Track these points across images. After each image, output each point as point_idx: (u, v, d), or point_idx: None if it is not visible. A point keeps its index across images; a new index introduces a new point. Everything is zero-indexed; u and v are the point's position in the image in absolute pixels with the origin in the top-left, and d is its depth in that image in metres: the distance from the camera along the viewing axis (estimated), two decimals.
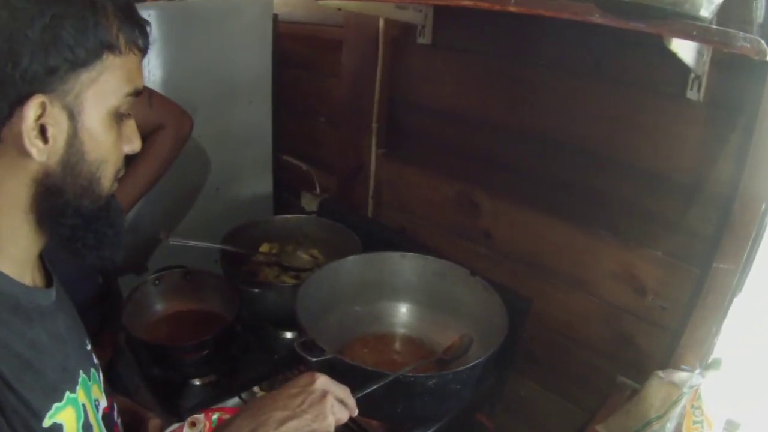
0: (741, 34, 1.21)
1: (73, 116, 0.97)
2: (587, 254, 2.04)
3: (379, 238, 2.45)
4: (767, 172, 1.57)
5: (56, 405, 1.04)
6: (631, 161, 1.88)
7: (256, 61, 2.91)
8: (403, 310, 2.20)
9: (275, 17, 2.96)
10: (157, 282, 2.27)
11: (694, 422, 1.64)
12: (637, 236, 1.91)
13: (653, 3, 1.19)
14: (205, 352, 2.03)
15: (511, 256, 2.27)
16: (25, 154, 0.94)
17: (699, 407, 1.64)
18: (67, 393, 1.08)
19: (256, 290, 2.19)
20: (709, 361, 1.75)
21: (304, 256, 2.55)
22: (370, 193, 2.77)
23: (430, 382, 1.64)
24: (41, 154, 0.95)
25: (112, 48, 0.99)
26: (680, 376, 1.70)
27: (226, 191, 2.92)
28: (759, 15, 1.44)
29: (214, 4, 2.84)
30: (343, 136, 2.86)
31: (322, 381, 1.25)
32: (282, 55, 3.06)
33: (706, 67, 1.62)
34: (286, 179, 3.30)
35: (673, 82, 1.70)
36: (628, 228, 1.93)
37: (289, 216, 2.74)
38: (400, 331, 2.17)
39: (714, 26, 1.23)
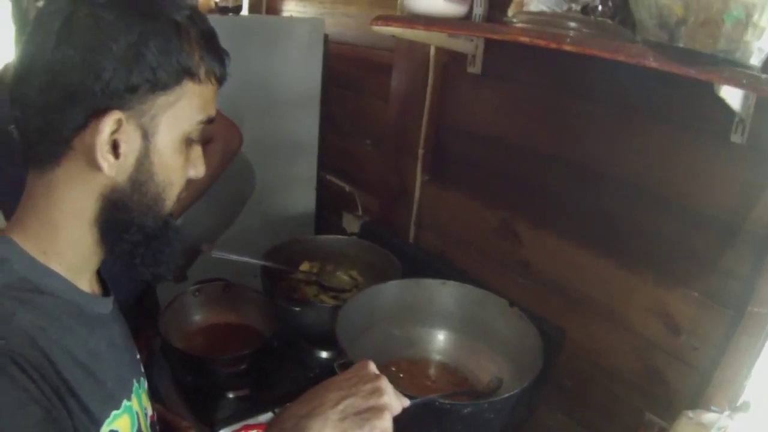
0: None
1: (146, 136, 1.01)
2: (624, 289, 2.05)
3: (419, 263, 2.47)
4: None
5: (114, 413, 1.07)
6: (672, 198, 1.89)
7: (306, 79, 2.97)
8: (439, 337, 2.21)
9: (326, 37, 3.01)
10: (197, 293, 2.32)
11: None
12: (674, 274, 1.91)
13: (705, 50, 1.21)
14: (243, 366, 2.06)
15: (549, 287, 2.28)
16: (95, 166, 0.97)
17: None
18: (124, 401, 1.12)
19: (297, 308, 2.20)
20: (739, 403, 1.74)
21: (343, 277, 2.58)
22: (413, 218, 2.79)
23: (465, 411, 1.66)
24: (111, 168, 0.98)
25: (192, 75, 1.03)
26: (709, 417, 1.69)
27: (268, 207, 2.97)
28: None
29: (269, 21, 2.90)
30: (387, 160, 2.89)
31: (374, 366, 1.24)
32: (331, 74, 3.12)
33: (751, 111, 1.63)
34: (328, 198, 3.34)
35: (718, 123, 1.70)
36: (665, 265, 1.93)
37: (330, 236, 2.78)
38: (436, 357, 2.18)
39: (764, 75, 1.24)
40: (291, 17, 3.41)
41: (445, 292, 2.20)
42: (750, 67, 1.25)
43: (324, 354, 2.31)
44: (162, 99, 1.00)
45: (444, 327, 2.21)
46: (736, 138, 1.68)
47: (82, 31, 0.94)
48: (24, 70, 0.99)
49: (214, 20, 2.33)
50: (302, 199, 3.21)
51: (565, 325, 2.17)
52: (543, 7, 1.73)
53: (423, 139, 2.66)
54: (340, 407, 1.11)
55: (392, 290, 2.19)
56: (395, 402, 1.18)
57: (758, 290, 1.68)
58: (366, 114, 3.09)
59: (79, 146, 0.98)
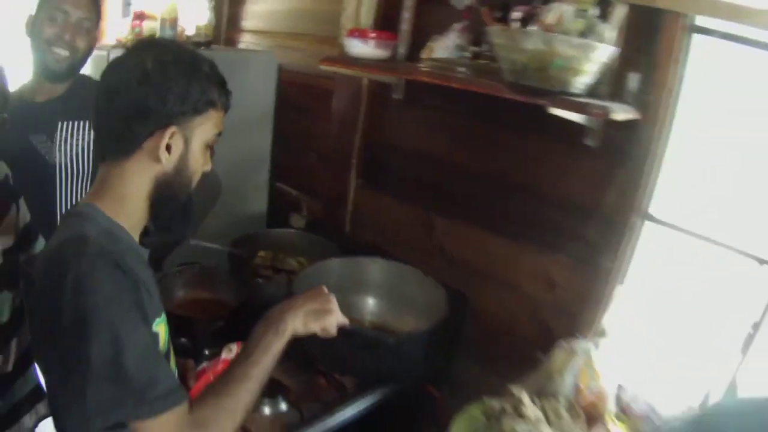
0: (596, 102, 1.92)
1: (186, 142, 1.54)
2: (515, 261, 2.64)
3: (354, 251, 2.94)
4: (640, 199, 2.26)
5: (157, 319, 1.54)
6: (548, 191, 2.53)
7: (262, 104, 3.51)
8: (370, 302, 2.71)
9: (279, 67, 3.55)
10: (178, 273, 2.82)
11: (588, 376, 2.16)
12: (551, 246, 2.52)
13: (541, 84, 1.88)
14: (221, 323, 2.56)
15: (459, 265, 2.84)
16: (156, 160, 1.51)
17: (591, 365, 2.16)
18: (162, 314, 1.61)
19: (260, 280, 2.77)
20: (598, 331, 2.35)
21: (293, 262, 3.09)
22: (349, 215, 3.34)
23: (390, 341, 2.19)
24: (166, 162, 1.52)
25: (214, 105, 1.56)
26: (577, 343, 2.22)
27: (229, 207, 3.41)
28: (632, 86, 2.17)
29: (230, 53, 3.39)
30: (329, 169, 3.43)
31: (326, 289, 1.79)
32: (283, 99, 3.62)
33: (602, 121, 2.19)
34: (278, 202, 3.79)
35: (577, 132, 2.29)
36: (544, 240, 2.54)
37: (282, 230, 3.32)
38: (368, 317, 2.68)
39: (577, 98, 1.91)
40: (249, 50, 3.92)
41: (374, 267, 2.72)
42: (576, 95, 1.91)
43: None
44: (197, 119, 1.53)
45: (374, 294, 2.72)
46: (589, 142, 2.31)
47: (155, 76, 1.47)
48: (110, 97, 1.50)
49: None
50: (257, 202, 3.72)
51: (472, 294, 2.75)
52: (445, 54, 2.36)
53: (357, 152, 3.24)
54: (305, 308, 1.69)
55: (334, 266, 2.69)
56: (340, 314, 1.76)
57: (606, 251, 2.35)
58: (311, 132, 3.59)
59: (146, 147, 1.50)
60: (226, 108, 1.64)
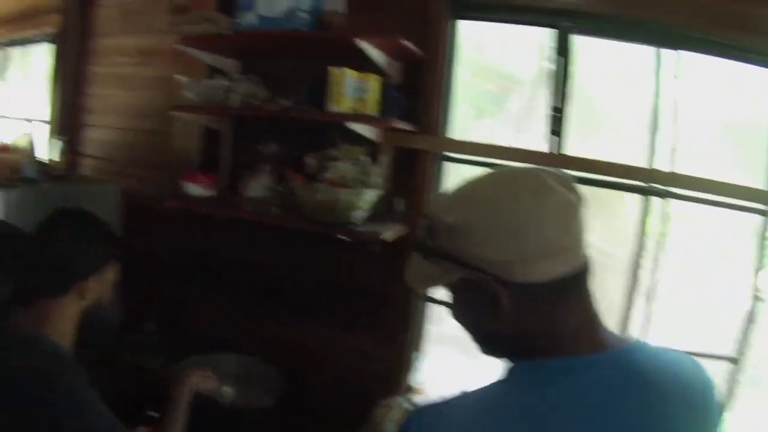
0: (367, 230, 2.77)
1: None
2: (334, 342, 3.34)
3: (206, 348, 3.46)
4: None
5: None
6: (353, 287, 3.27)
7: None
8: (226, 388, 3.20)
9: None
10: None
11: None
12: (361, 326, 3.27)
13: (330, 219, 2.68)
14: None
15: (291, 351, 3.42)
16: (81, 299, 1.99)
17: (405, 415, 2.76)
18: None
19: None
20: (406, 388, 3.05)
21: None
22: (191, 318, 3.81)
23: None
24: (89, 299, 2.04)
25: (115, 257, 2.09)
26: (392, 399, 2.93)
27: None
28: (398, 208, 2.98)
29: (78, 187, 3.73)
30: (172, 281, 3.91)
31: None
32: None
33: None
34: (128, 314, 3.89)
35: (366, 243, 2.88)
36: (356, 322, 3.29)
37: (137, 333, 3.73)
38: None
39: (355, 227, 2.75)
40: (93, 180, 4.09)
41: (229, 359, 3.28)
42: (354, 224, 2.67)
43: None
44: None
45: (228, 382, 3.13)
46: (373, 249, 2.92)
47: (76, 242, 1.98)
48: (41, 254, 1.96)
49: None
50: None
51: (306, 371, 3.35)
52: (258, 191, 3.06)
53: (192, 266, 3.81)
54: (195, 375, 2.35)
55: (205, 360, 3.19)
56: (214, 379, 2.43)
57: (402, 326, 3.12)
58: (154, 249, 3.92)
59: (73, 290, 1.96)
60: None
